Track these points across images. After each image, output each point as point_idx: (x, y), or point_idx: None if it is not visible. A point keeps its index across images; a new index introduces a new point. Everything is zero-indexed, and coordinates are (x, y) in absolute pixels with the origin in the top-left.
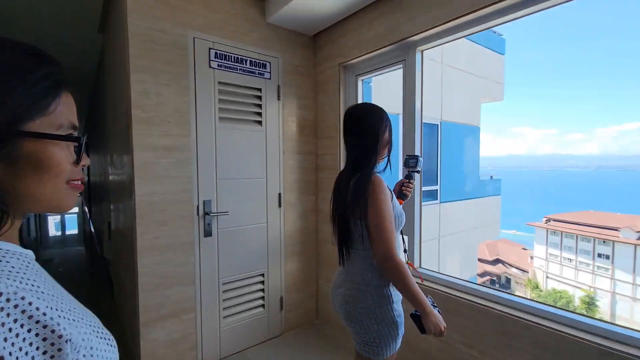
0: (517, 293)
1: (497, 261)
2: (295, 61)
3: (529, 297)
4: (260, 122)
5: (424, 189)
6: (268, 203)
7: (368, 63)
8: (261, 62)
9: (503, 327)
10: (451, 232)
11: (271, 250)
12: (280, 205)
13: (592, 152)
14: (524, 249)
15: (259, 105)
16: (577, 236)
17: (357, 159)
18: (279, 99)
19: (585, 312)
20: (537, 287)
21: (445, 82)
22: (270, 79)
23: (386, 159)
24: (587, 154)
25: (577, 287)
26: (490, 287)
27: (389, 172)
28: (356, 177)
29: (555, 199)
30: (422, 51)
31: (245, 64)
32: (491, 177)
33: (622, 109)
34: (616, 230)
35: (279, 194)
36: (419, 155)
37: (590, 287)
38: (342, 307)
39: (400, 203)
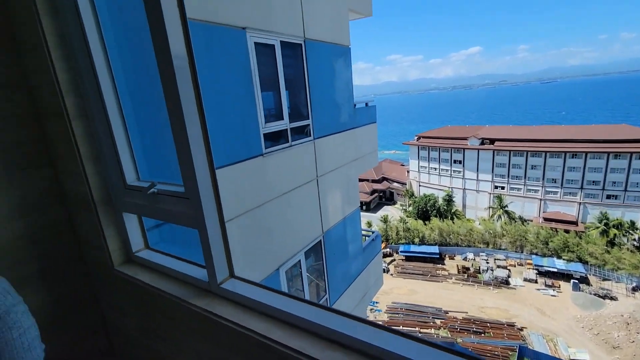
0: (398, 204)
1: (382, 179)
2: None
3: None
4: None
5: (292, 125)
6: None
7: None
8: None
9: None
10: (330, 170)
11: None
12: None
13: (449, 75)
14: (402, 165)
15: None
16: (439, 148)
17: None
18: None
19: (446, 207)
20: (413, 195)
21: None
22: None
23: None
24: (444, 77)
25: (440, 190)
26: None
27: None
28: None
29: (424, 118)
30: None
31: None
32: (366, 104)
33: (468, 36)
34: (465, 139)
35: None
36: None
37: (449, 187)
38: None
39: None
